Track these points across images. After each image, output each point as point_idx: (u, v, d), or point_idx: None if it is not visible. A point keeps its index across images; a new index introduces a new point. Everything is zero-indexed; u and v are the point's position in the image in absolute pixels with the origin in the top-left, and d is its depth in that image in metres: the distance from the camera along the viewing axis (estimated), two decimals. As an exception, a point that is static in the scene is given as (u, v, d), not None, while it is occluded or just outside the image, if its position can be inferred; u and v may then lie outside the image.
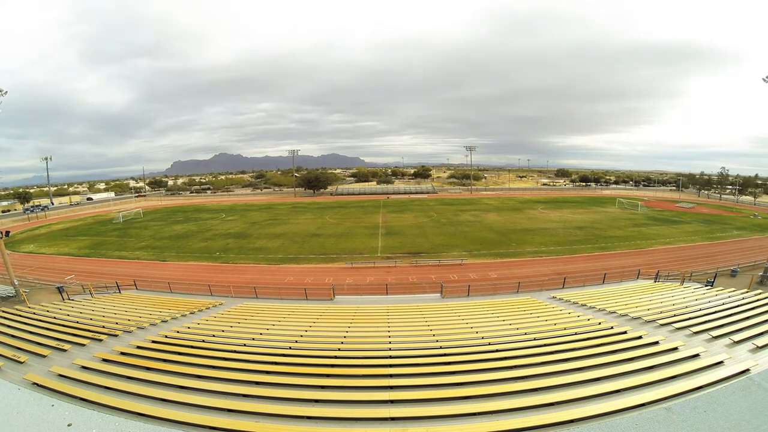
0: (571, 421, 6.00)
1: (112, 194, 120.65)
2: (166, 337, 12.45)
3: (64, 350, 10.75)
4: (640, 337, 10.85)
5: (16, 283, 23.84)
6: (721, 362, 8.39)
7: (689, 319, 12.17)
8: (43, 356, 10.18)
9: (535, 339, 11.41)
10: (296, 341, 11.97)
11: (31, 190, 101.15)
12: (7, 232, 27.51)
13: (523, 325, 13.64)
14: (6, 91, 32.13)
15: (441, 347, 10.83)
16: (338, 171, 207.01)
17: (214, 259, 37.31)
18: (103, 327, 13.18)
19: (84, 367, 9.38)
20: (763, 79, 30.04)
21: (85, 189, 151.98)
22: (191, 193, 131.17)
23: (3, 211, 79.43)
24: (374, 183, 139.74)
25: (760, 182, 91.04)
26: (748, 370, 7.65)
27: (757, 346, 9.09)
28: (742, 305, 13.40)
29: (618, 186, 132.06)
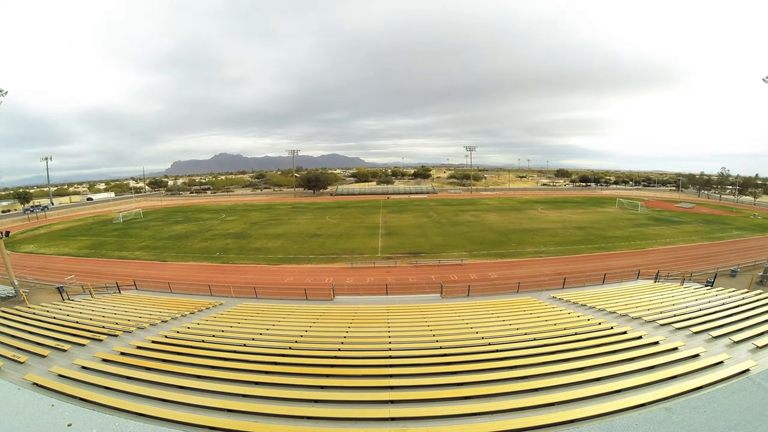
0: (572, 421, 6.00)
1: (112, 194, 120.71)
2: (166, 337, 12.45)
3: (64, 350, 10.74)
4: (640, 337, 10.84)
5: (16, 283, 23.84)
6: (721, 362, 8.38)
7: (689, 319, 12.17)
8: (43, 356, 10.17)
9: (535, 339, 11.40)
10: (296, 341, 11.96)
11: (31, 191, 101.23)
12: (7, 232, 27.51)
13: (524, 325, 13.62)
14: (6, 91, 32.13)
15: (441, 347, 10.82)
16: (338, 171, 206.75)
17: (214, 260, 37.32)
18: (103, 327, 13.18)
19: (84, 368, 9.37)
20: (763, 80, 30.06)
21: (86, 189, 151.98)
22: (191, 193, 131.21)
23: (3, 211, 79.39)
24: (374, 183, 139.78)
25: (760, 182, 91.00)
26: (748, 370, 7.64)
27: (757, 346, 9.08)
28: (742, 305, 13.39)
29: (618, 186, 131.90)
